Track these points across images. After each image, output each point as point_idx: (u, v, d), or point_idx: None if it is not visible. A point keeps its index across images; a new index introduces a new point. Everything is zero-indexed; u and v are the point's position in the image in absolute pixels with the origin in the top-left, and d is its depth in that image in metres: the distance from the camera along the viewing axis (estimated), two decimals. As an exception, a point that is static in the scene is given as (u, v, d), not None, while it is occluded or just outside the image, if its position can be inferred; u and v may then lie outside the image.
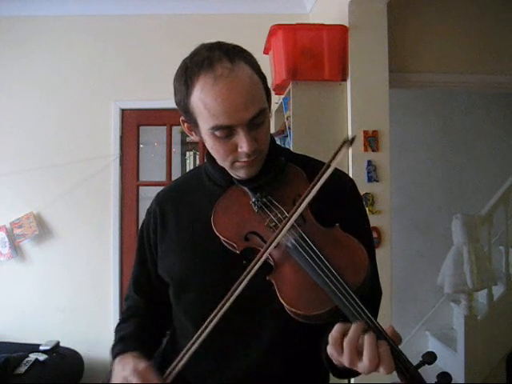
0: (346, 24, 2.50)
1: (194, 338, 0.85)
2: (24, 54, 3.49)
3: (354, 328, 0.73)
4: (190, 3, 3.43)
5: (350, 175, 2.45)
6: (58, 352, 3.08)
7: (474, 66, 2.90)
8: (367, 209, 2.42)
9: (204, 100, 0.87)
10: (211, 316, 0.84)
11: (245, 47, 0.95)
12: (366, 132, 2.47)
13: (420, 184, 3.91)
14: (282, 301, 0.81)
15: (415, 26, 2.86)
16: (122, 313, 1.18)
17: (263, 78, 0.94)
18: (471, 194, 3.86)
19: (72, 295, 3.43)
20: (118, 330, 1.11)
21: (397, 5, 2.66)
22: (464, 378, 2.97)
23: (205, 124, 0.90)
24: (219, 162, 0.97)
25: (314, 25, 2.68)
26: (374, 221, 2.41)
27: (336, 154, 0.88)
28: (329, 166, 0.87)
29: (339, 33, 2.50)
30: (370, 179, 2.47)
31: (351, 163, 2.48)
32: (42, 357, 2.92)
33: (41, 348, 3.04)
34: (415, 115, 3.91)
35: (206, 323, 0.84)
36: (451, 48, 2.88)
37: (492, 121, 4.01)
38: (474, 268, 2.92)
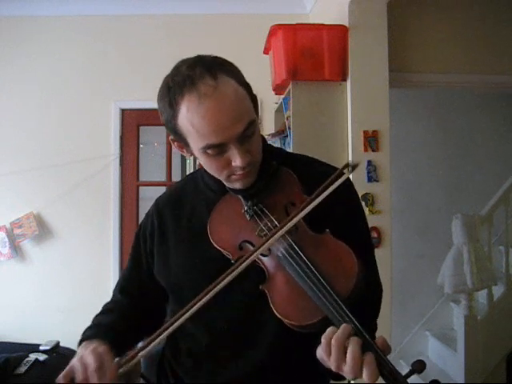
0: (346, 24, 2.50)
1: (161, 329, 0.84)
2: (24, 54, 3.49)
3: (342, 328, 0.74)
4: (190, 3, 3.42)
5: (350, 175, 2.46)
6: (58, 352, 3.07)
7: (474, 66, 2.90)
8: (367, 209, 2.42)
9: (191, 120, 0.85)
10: (183, 310, 0.84)
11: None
12: (366, 132, 2.47)
13: (420, 184, 3.90)
14: (274, 311, 0.82)
15: (415, 25, 2.86)
16: (103, 306, 1.15)
17: (248, 87, 0.92)
18: (471, 194, 3.85)
19: (72, 295, 3.43)
20: (93, 319, 1.10)
21: (397, 5, 2.66)
22: (464, 378, 2.97)
23: (195, 144, 0.89)
24: (214, 175, 0.97)
25: (313, 25, 2.68)
26: (374, 221, 2.41)
27: (333, 181, 0.89)
28: (323, 190, 0.89)
29: (339, 33, 2.50)
30: (370, 179, 2.46)
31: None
32: (42, 357, 2.91)
33: (41, 348, 3.03)
34: (415, 115, 3.91)
35: (180, 312, 0.84)
36: (451, 48, 2.88)
37: (492, 121, 4.00)
38: (474, 268, 2.91)
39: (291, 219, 0.87)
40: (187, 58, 0.90)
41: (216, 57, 0.91)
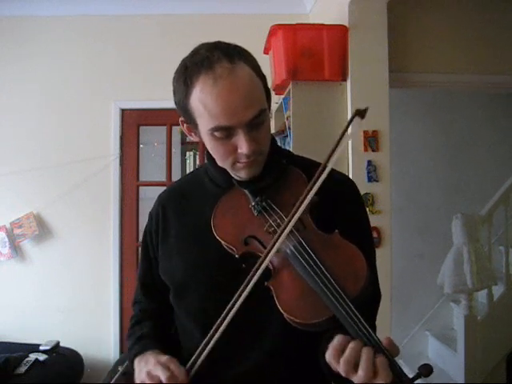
0: (346, 24, 2.50)
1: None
2: (24, 53, 3.49)
3: (350, 348, 0.73)
4: (190, 3, 3.43)
5: (350, 175, 2.47)
6: (57, 352, 3.08)
7: (474, 66, 2.90)
8: (367, 209, 2.42)
9: (204, 101, 0.86)
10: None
11: (245, 47, 0.95)
12: (366, 132, 2.47)
13: (420, 184, 3.90)
14: (279, 308, 0.81)
15: (415, 25, 2.86)
16: (132, 317, 1.16)
17: (263, 78, 0.94)
18: (471, 194, 3.85)
19: (72, 295, 3.43)
20: (131, 333, 1.10)
21: (397, 5, 2.66)
22: (464, 378, 2.97)
23: (204, 125, 0.89)
24: (219, 162, 0.97)
25: (313, 25, 2.68)
26: (374, 221, 2.41)
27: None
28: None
29: (339, 33, 2.50)
30: (370, 179, 2.46)
31: (351, 163, 2.47)
32: (42, 357, 2.92)
33: (41, 348, 3.04)
34: (415, 115, 3.90)
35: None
36: (451, 48, 2.88)
37: (492, 121, 4.00)
38: (474, 268, 2.91)
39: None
40: (207, 42, 0.92)
41: (236, 45, 0.93)
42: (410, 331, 3.86)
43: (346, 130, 0.87)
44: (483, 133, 3.99)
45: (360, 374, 0.71)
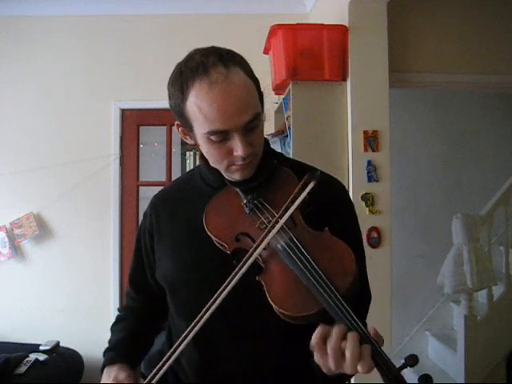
0: (346, 24, 2.50)
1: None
2: (24, 53, 3.49)
3: (335, 332, 0.75)
4: (190, 3, 3.43)
5: (350, 175, 2.47)
6: (57, 352, 3.08)
7: (473, 66, 2.90)
8: (367, 209, 2.42)
9: (199, 105, 0.88)
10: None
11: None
12: (366, 132, 2.47)
13: (420, 184, 3.90)
14: (270, 301, 0.83)
15: (415, 25, 2.86)
16: (119, 309, 1.23)
17: (256, 81, 0.95)
18: (471, 194, 3.85)
19: (72, 295, 3.43)
20: (112, 330, 1.17)
21: (397, 5, 2.66)
22: (464, 378, 2.97)
23: (200, 129, 0.91)
24: (214, 165, 0.99)
25: (313, 25, 2.68)
26: (373, 221, 2.41)
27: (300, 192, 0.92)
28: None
29: (339, 33, 2.50)
30: (370, 179, 2.46)
31: (351, 163, 2.47)
32: (42, 357, 2.92)
33: (41, 348, 3.04)
34: (415, 115, 3.91)
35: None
36: (451, 48, 2.88)
37: (492, 121, 4.00)
38: (474, 268, 2.91)
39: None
40: (201, 48, 0.93)
41: (230, 50, 0.94)
42: (410, 331, 3.86)
43: (300, 192, 0.92)
44: (483, 133, 4.00)
45: (347, 356, 0.73)
